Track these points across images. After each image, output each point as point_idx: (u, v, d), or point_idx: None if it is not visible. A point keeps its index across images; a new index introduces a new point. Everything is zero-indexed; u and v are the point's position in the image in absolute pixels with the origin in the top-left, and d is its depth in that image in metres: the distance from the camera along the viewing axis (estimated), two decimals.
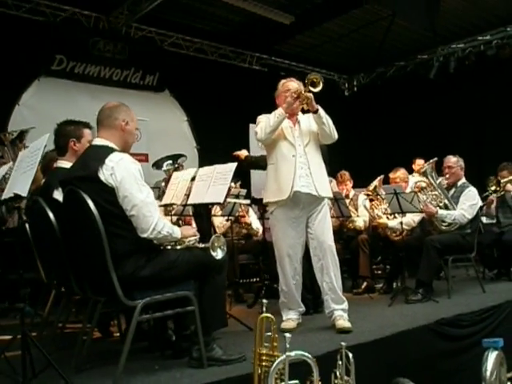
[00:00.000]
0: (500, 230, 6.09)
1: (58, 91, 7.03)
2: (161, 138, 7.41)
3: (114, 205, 2.64)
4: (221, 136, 8.26)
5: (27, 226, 3.47)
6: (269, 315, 2.40)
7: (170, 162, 5.30)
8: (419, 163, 7.09)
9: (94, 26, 7.30)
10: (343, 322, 3.69)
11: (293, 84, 3.90)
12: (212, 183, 3.77)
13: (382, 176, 5.90)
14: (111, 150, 2.75)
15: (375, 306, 4.77)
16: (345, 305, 3.81)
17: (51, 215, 2.99)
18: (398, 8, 7.67)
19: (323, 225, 3.81)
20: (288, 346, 2.10)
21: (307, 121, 3.90)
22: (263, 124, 3.80)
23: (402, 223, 5.08)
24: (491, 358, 3.44)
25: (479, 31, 8.75)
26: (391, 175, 5.95)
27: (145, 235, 2.66)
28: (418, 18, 7.55)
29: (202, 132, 8.31)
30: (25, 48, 6.63)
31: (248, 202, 5.29)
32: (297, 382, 2.18)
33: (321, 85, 3.64)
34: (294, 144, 3.80)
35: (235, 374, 2.73)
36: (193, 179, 4.09)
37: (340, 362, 2.61)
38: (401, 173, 5.89)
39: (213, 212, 5.48)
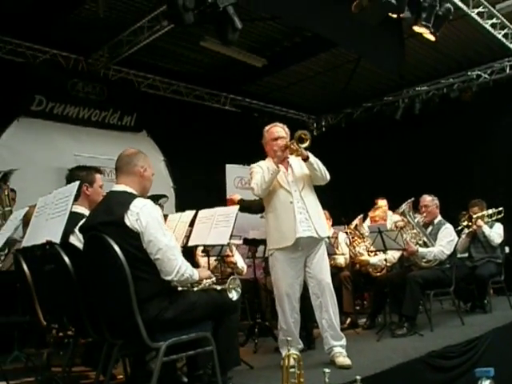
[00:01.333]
0: (473, 264, 6.39)
1: (38, 131, 7.04)
2: None
3: (139, 249, 2.73)
4: (197, 176, 8.38)
5: (26, 269, 3.49)
6: (296, 353, 2.51)
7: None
8: (381, 204, 7.39)
9: (73, 68, 7.39)
10: (343, 358, 3.82)
11: (277, 129, 4.10)
12: (214, 225, 3.89)
13: (361, 215, 6.14)
14: (133, 196, 2.86)
15: (364, 341, 4.93)
16: (343, 341, 3.95)
17: (67, 260, 3.04)
18: (366, 52, 8.05)
19: (321, 264, 3.97)
20: (327, 380, 2.22)
21: (298, 164, 4.07)
22: (258, 180, 3.92)
23: (386, 260, 5.30)
24: None
25: (442, 75, 9.25)
26: (370, 213, 6.21)
27: (169, 278, 2.76)
28: (385, 62, 7.93)
29: (178, 172, 8.42)
30: (4, 88, 6.64)
31: (240, 242, 5.39)
32: None
33: (308, 141, 3.78)
34: (290, 190, 3.96)
35: None
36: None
37: None
38: (380, 211, 6.14)
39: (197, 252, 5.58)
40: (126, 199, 2.81)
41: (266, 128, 4.24)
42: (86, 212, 3.32)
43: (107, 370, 3.51)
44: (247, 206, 4.99)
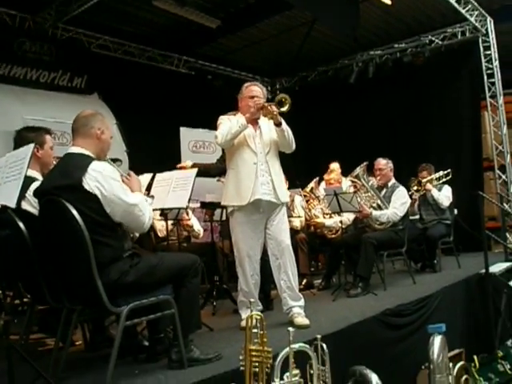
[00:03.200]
0: (423, 225, 6.60)
1: None
2: None
3: (98, 213, 2.69)
4: (151, 139, 8.21)
5: None
6: (258, 313, 2.54)
7: None
8: (333, 167, 7.50)
9: (20, 26, 7.03)
10: (302, 318, 3.90)
11: (256, 88, 4.03)
12: (172, 189, 3.85)
13: (317, 178, 6.21)
14: (91, 159, 2.78)
15: (320, 302, 5.04)
16: (301, 302, 4.02)
17: (22, 225, 2.95)
18: (321, 15, 8.00)
19: (281, 225, 3.99)
20: (291, 339, 2.26)
21: (268, 128, 4.03)
22: (224, 130, 3.87)
23: (341, 222, 5.40)
24: (437, 342, 3.83)
25: (395, 40, 9.32)
26: (325, 176, 6.28)
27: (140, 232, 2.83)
28: (339, 26, 7.90)
29: (131, 135, 8.21)
30: None
31: (198, 205, 5.36)
32: (298, 372, 2.34)
33: (287, 105, 3.76)
34: (256, 151, 3.93)
35: (219, 371, 2.86)
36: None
37: (315, 353, 2.79)
38: (335, 174, 6.22)
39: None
40: (83, 162, 2.74)
41: (246, 84, 4.15)
42: (38, 175, 3.21)
43: (66, 336, 3.49)
44: (205, 170, 4.95)
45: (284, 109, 3.79)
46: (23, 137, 3.29)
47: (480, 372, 5.16)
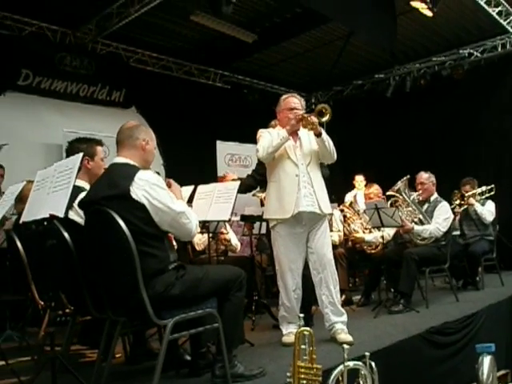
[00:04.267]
0: (465, 241, 6.43)
1: (25, 106, 6.84)
2: None
3: (145, 222, 2.66)
4: (187, 153, 8.26)
5: (20, 246, 3.40)
6: (307, 329, 2.46)
7: None
8: (358, 179, 7.39)
9: (61, 41, 7.18)
10: (345, 335, 3.79)
11: (295, 100, 3.99)
12: (214, 201, 3.82)
13: (356, 192, 6.11)
14: (137, 168, 2.77)
15: (361, 318, 4.91)
16: (344, 317, 3.93)
17: (67, 235, 2.95)
18: (357, 29, 7.95)
19: (323, 239, 3.91)
20: (346, 356, 2.18)
21: (307, 138, 3.97)
22: (265, 143, 3.82)
23: (382, 237, 5.28)
24: (486, 362, 3.68)
25: (432, 53, 9.19)
26: (365, 191, 6.17)
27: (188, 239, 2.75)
28: (376, 39, 7.84)
29: (168, 149, 8.29)
30: None
31: (237, 218, 5.32)
32: None
33: (328, 115, 3.71)
34: (297, 163, 3.87)
35: None
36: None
37: (363, 372, 2.69)
38: (374, 188, 6.12)
39: None
40: (129, 171, 2.73)
41: (284, 96, 4.11)
42: (87, 186, 3.22)
43: (108, 348, 3.46)
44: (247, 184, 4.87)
45: (324, 119, 3.74)
46: (74, 148, 3.31)
47: None
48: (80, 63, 7.35)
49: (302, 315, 2.59)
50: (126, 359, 3.64)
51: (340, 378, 2.47)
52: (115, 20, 6.91)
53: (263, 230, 5.71)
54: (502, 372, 4.49)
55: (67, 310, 3.48)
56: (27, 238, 3.34)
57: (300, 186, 3.81)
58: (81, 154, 2.62)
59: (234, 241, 6.03)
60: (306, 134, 3.99)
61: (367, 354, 2.74)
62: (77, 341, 3.93)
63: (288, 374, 2.53)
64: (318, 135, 3.81)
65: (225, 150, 8.40)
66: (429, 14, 6.08)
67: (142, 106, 8.01)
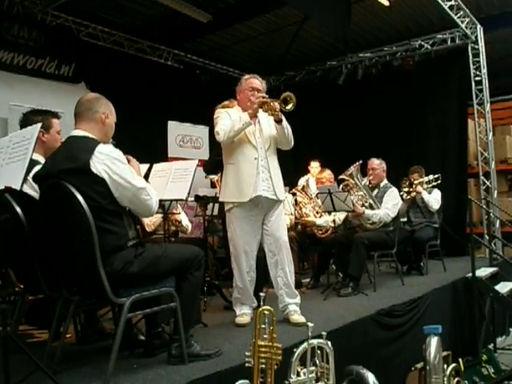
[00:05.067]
0: (411, 228, 6.60)
1: None
2: None
3: (105, 197, 2.59)
4: (138, 131, 8.05)
5: None
6: (269, 308, 2.47)
7: None
8: (313, 165, 7.48)
9: (8, 10, 6.82)
10: (298, 316, 3.84)
11: (257, 81, 3.94)
12: (171, 180, 3.75)
13: (308, 176, 6.16)
14: (97, 142, 2.69)
15: (311, 300, 4.97)
16: (298, 299, 3.97)
17: (18, 209, 2.83)
18: (313, 15, 7.97)
19: (279, 222, 3.92)
20: (310, 334, 2.20)
21: (267, 123, 3.94)
22: (226, 127, 3.74)
23: (334, 221, 5.36)
24: (433, 343, 3.80)
25: (384, 43, 9.34)
26: (317, 176, 6.24)
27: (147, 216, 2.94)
28: (331, 27, 7.89)
29: (118, 126, 8.05)
30: None
31: (192, 199, 5.25)
32: (313, 368, 2.28)
33: (292, 104, 3.66)
34: (257, 147, 3.83)
35: (222, 367, 2.78)
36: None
37: (327, 350, 2.71)
38: (326, 173, 6.20)
39: None
40: (89, 145, 2.65)
41: (246, 76, 4.03)
42: (41, 159, 3.09)
43: (59, 328, 3.37)
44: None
45: (288, 107, 3.69)
46: (29, 120, 3.18)
47: (465, 375, 5.19)
48: (28, 34, 7.00)
49: (262, 294, 2.58)
50: (77, 339, 3.55)
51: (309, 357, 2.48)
52: None
53: (215, 212, 5.68)
54: (444, 353, 4.66)
55: (16, 289, 3.38)
56: None
57: (259, 169, 3.79)
58: (39, 125, 2.51)
59: (185, 222, 5.95)
60: (265, 118, 3.95)
61: (324, 333, 2.77)
62: (24, 321, 3.81)
63: (247, 354, 2.53)
64: (279, 122, 3.79)
65: (176, 130, 8.27)
66: (385, 3, 6.15)
67: (92, 81, 7.73)
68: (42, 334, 3.74)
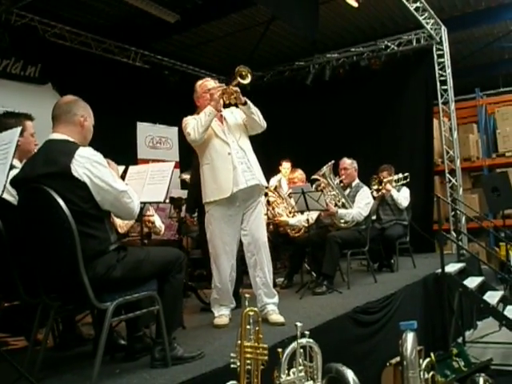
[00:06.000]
0: (381, 225, 6.70)
1: None
2: (43, 133, 6.97)
3: (86, 201, 2.56)
4: (107, 132, 7.91)
5: None
6: (254, 309, 2.48)
7: None
8: (285, 165, 7.55)
9: None
10: (276, 316, 3.87)
11: (210, 83, 3.99)
12: (147, 182, 3.73)
13: (280, 176, 6.20)
14: (76, 145, 2.66)
15: (286, 299, 4.97)
16: (276, 299, 4.00)
17: None
18: (282, 14, 8.01)
19: (258, 221, 3.93)
20: (299, 333, 2.22)
21: (232, 116, 3.98)
22: (194, 125, 3.77)
23: (307, 220, 5.41)
24: (409, 338, 3.88)
25: (350, 44, 9.48)
26: (289, 175, 6.28)
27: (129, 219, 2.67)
28: (299, 27, 7.94)
29: None
30: None
31: (167, 200, 5.21)
32: (302, 367, 2.30)
33: (249, 77, 3.72)
34: (227, 141, 3.85)
35: (206, 369, 2.78)
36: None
37: (316, 349, 2.73)
38: (298, 173, 6.25)
39: None
40: (69, 148, 2.61)
41: (199, 82, 4.11)
42: (16, 162, 3.02)
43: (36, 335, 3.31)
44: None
45: (247, 81, 3.74)
46: (2, 123, 3.12)
47: (437, 369, 5.31)
48: None
49: (247, 296, 2.59)
50: (55, 345, 3.49)
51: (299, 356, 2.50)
52: None
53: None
54: (417, 348, 4.76)
55: None
56: None
57: (235, 163, 3.80)
58: (19, 129, 2.46)
59: (158, 223, 5.93)
60: (229, 113, 4.01)
61: (307, 332, 2.80)
62: None
63: (232, 355, 2.53)
64: (244, 104, 3.82)
65: (145, 131, 8.20)
66: (354, 4, 6.23)
67: (59, 82, 7.60)
68: (17, 341, 3.67)
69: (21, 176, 2.64)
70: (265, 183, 3.99)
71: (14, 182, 2.67)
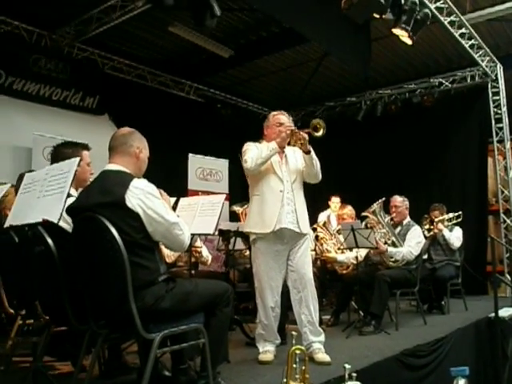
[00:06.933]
0: (432, 266, 6.52)
1: None
2: (99, 162, 7.19)
3: (138, 232, 2.59)
4: (158, 164, 8.07)
5: None
6: (301, 347, 2.43)
7: None
8: (334, 200, 7.47)
9: (36, 43, 7.02)
10: (323, 355, 3.78)
11: (284, 118, 3.99)
12: (198, 214, 3.76)
13: (330, 212, 6.15)
14: (131, 176, 2.71)
15: (332, 338, 4.87)
16: (322, 337, 3.92)
17: (50, 241, 2.84)
18: (335, 51, 8.07)
19: (304, 258, 3.90)
20: (347, 376, 2.16)
21: (293, 156, 3.98)
22: (254, 154, 3.79)
23: (356, 258, 5.31)
24: None
25: (403, 80, 9.43)
26: (339, 211, 6.22)
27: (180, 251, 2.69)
28: (352, 63, 7.97)
29: None
30: None
31: (216, 232, 5.25)
32: None
33: (322, 130, 3.73)
34: (282, 179, 3.86)
35: None
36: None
37: None
38: (348, 209, 6.18)
39: None
40: (124, 179, 2.66)
41: (273, 113, 4.11)
42: (73, 191, 3.11)
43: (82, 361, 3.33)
44: None
45: (319, 134, 3.75)
46: (60, 153, 3.22)
47: None
48: (55, 66, 7.19)
49: (294, 333, 2.54)
50: (100, 373, 3.51)
51: None
52: (94, 25, 6.82)
53: (237, 246, 5.68)
54: None
55: (41, 320, 3.37)
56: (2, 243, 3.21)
57: (283, 202, 3.79)
58: (77, 159, 2.55)
59: (205, 253, 5.96)
60: (292, 153, 3.99)
61: (354, 374, 2.72)
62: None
63: None
64: (307, 152, 3.81)
65: (196, 163, 8.34)
66: (408, 41, 6.20)
67: (115, 113, 7.88)
68: (62, 366, 3.72)
69: (76, 204, 2.71)
70: (305, 231, 3.93)
71: (70, 210, 2.74)
